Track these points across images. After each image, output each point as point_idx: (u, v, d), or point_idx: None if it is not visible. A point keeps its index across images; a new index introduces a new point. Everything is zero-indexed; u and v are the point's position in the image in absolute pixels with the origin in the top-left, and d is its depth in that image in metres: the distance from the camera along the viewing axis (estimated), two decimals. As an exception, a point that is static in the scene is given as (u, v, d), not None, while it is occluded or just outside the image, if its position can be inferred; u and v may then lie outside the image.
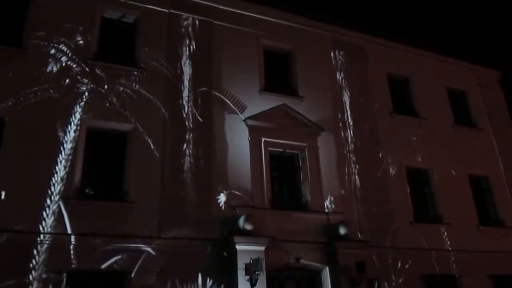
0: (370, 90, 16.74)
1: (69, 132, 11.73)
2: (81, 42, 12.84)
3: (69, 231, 10.74)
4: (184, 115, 13.17)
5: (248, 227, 11.78)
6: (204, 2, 14.95)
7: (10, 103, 11.38)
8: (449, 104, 18.46)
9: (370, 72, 17.11)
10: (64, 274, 10.33)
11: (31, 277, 10.03)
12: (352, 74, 16.68)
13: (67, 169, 11.34)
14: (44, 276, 10.12)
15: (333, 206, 13.94)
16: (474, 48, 22.44)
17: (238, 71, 14.51)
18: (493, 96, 19.80)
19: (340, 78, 16.45)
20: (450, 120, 18.11)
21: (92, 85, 12.40)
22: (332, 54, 16.78)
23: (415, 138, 16.61)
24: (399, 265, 13.98)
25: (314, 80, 15.83)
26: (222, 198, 12.63)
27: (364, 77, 16.86)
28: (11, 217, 10.27)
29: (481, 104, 19.30)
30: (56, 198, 10.94)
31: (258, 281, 11.17)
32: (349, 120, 15.76)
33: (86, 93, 12.28)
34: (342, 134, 15.42)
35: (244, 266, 11.20)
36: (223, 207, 12.53)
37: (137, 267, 10.96)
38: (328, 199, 13.99)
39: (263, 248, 11.71)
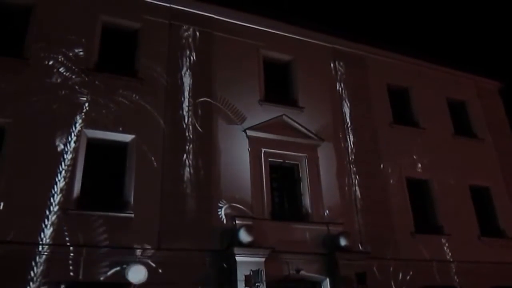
0: (370, 101, 16.78)
1: (69, 142, 11.72)
2: (82, 52, 12.88)
3: (68, 242, 10.67)
4: (184, 126, 13.17)
5: (248, 238, 11.72)
6: (205, 14, 15.03)
7: (10, 113, 11.38)
8: (449, 115, 18.50)
9: (370, 83, 17.16)
10: (63, 286, 10.27)
11: (29, 288, 9.93)
12: (352, 85, 16.74)
13: (66, 179, 11.31)
14: (42, 287, 10.02)
15: (333, 217, 13.88)
16: (474, 59, 22.55)
17: (238, 82, 14.55)
18: (493, 106, 19.84)
19: (340, 88, 16.50)
20: (450, 131, 18.12)
21: (92, 96, 12.41)
22: (332, 65, 16.84)
23: (415, 149, 16.60)
24: (400, 276, 13.89)
25: (314, 90, 15.86)
26: (223, 211, 12.57)
27: (364, 87, 16.91)
28: (10, 228, 10.20)
29: (481, 114, 19.33)
30: (56, 209, 10.88)
31: (258, 293, 11.13)
32: (349, 130, 15.78)
33: (86, 104, 12.28)
34: (342, 144, 15.42)
35: (244, 278, 11.15)
36: (223, 219, 12.48)
37: (136, 278, 10.89)
38: (328, 210, 13.94)
39: (263, 259, 11.66)
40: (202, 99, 13.77)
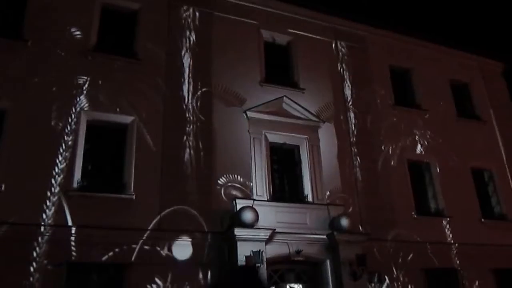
0: (372, 82, 16.61)
1: (69, 124, 11.70)
2: (81, 33, 12.79)
3: (69, 223, 10.72)
4: (184, 107, 13.11)
5: (249, 219, 11.70)
6: (204, -7, 14.86)
7: (10, 95, 11.33)
8: (451, 96, 18.31)
9: (372, 64, 16.97)
10: (65, 266, 10.33)
11: (32, 269, 10.01)
12: (354, 66, 16.56)
13: (67, 161, 11.30)
14: (44, 268, 10.10)
15: (334, 198, 13.88)
16: (477, 40, 22.15)
17: (238, 63, 14.42)
18: (497, 88, 19.62)
19: (341, 70, 16.34)
20: (453, 113, 17.97)
21: (91, 77, 12.33)
22: (333, 45, 16.67)
23: (416, 131, 16.52)
24: (400, 258, 13.91)
25: (315, 72, 15.72)
26: (224, 192, 12.58)
27: (366, 69, 16.73)
28: (12, 209, 10.24)
29: (484, 96, 19.14)
30: (57, 190, 10.91)
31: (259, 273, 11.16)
32: (351, 112, 15.68)
33: (86, 85, 12.23)
34: (343, 126, 15.32)
35: (245, 259, 11.16)
36: (223, 200, 12.49)
37: (137, 259, 10.95)
38: (329, 192, 13.93)
39: (263, 240, 11.67)
40: (202, 80, 13.67)
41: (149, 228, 11.36)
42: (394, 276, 13.63)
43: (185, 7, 14.39)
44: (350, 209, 13.87)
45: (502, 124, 18.73)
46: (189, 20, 14.27)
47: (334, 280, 12.48)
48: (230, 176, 12.86)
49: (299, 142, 14.32)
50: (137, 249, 11.05)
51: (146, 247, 11.14)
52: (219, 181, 12.68)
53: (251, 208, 11.98)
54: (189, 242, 11.44)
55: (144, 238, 11.20)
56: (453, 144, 16.91)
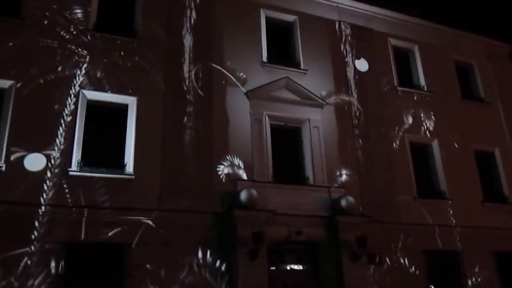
0: (375, 63, 16.39)
1: (69, 104, 11.64)
2: (81, 13, 12.63)
3: (69, 203, 10.73)
4: (185, 88, 12.99)
5: (249, 200, 11.70)
6: (205, -29, 14.59)
7: (9, 75, 11.25)
8: (456, 78, 18.09)
9: (375, 45, 16.73)
10: (65, 246, 10.38)
11: (33, 248, 10.07)
12: (357, 47, 16.31)
13: (67, 141, 11.28)
14: (45, 247, 10.16)
15: (335, 180, 13.84)
16: (483, 20, 21.75)
17: (240, 43, 14.25)
18: (503, 69, 19.34)
19: (344, 50, 16.11)
20: (457, 94, 17.77)
21: (91, 57, 12.22)
22: (337, 26, 16.40)
23: (420, 112, 16.36)
24: (401, 240, 13.92)
25: (318, 52, 15.53)
26: (224, 173, 12.55)
27: (369, 49, 16.49)
28: (12, 189, 10.27)
29: (490, 77, 18.89)
30: (57, 171, 10.90)
31: (259, 254, 11.23)
32: (353, 93, 15.51)
33: (86, 65, 12.12)
34: (346, 108, 15.19)
35: (244, 240, 11.20)
36: (224, 181, 12.46)
37: (137, 239, 10.99)
38: (330, 174, 13.87)
39: (263, 221, 11.69)
40: (203, 60, 13.51)
41: (149, 208, 11.36)
42: (395, 258, 13.66)
43: (185, -15, 14.15)
44: (352, 191, 13.75)
45: (507, 107, 18.53)
46: (190, -1, 14.07)
47: (334, 261, 12.59)
48: (231, 157, 12.81)
49: (301, 124, 14.24)
50: (137, 229, 11.06)
51: (146, 227, 11.15)
52: (219, 162, 12.63)
53: (252, 189, 11.97)
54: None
55: (144, 218, 11.21)
56: (456, 126, 16.78)
